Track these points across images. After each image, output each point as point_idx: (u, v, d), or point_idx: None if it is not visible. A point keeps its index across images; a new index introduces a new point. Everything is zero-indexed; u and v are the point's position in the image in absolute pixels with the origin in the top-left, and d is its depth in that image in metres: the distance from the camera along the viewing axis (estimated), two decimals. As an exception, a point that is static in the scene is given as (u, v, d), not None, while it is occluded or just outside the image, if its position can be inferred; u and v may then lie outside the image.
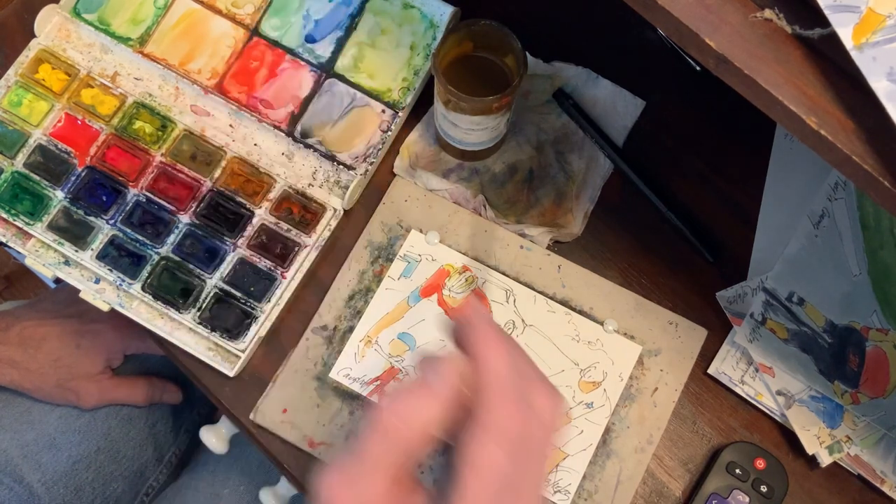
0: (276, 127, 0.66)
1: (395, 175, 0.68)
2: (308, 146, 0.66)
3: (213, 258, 0.64)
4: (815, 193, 0.64)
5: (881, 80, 0.34)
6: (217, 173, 0.65)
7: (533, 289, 0.64)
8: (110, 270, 0.63)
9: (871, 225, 0.61)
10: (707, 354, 0.64)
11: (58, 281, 0.71)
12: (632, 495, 0.60)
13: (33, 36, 0.67)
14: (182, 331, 0.63)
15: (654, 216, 0.67)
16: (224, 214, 0.65)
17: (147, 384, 0.78)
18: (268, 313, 0.63)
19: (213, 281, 0.63)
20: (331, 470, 0.38)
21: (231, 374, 0.62)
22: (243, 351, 0.62)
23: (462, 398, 0.38)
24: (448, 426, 0.38)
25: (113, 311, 0.63)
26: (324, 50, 0.67)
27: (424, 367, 0.39)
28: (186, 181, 0.65)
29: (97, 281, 0.63)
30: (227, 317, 0.63)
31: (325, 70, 0.67)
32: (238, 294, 0.63)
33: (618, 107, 0.69)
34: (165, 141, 0.66)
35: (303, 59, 0.67)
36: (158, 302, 0.63)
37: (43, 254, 0.64)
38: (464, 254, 0.65)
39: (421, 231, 0.66)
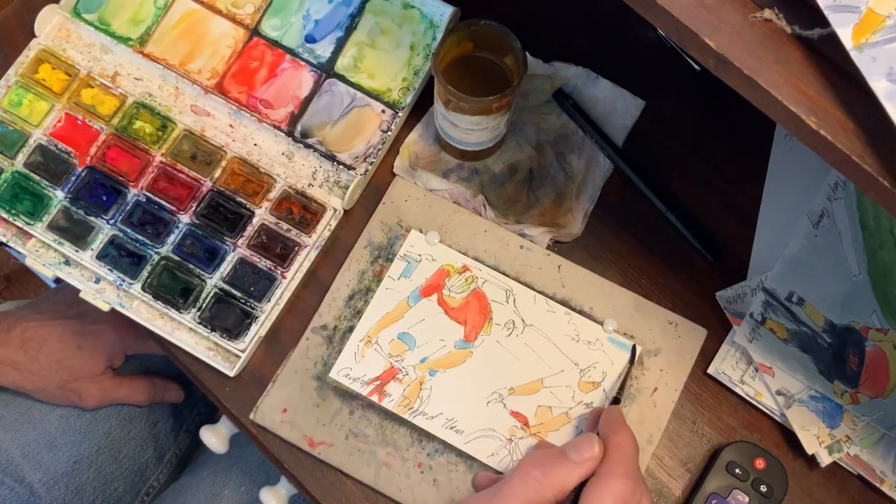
0: (276, 127, 0.66)
1: (395, 175, 0.68)
2: (308, 146, 0.66)
3: (213, 258, 0.64)
4: (815, 193, 0.64)
5: (881, 80, 0.34)
6: (217, 173, 0.65)
7: (533, 289, 0.64)
8: (110, 270, 0.63)
9: (871, 225, 0.61)
10: (707, 354, 0.64)
11: (58, 281, 0.71)
12: (632, 495, 0.60)
13: (33, 36, 0.67)
14: (182, 331, 0.63)
15: (654, 216, 0.67)
16: (224, 214, 0.65)
17: (148, 384, 0.78)
18: (268, 313, 0.63)
19: (213, 281, 0.63)
20: (473, 498, 0.53)
21: (231, 373, 0.62)
22: (243, 351, 0.62)
23: (590, 467, 0.52)
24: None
25: (113, 310, 0.63)
26: (324, 50, 0.68)
27: (567, 444, 0.54)
28: (186, 181, 0.65)
29: (97, 281, 0.63)
30: (227, 317, 0.63)
31: (325, 70, 0.67)
32: (238, 294, 0.63)
33: (618, 107, 0.69)
34: (165, 141, 0.66)
35: (303, 59, 0.67)
36: (158, 302, 0.63)
37: (43, 254, 0.64)
38: (464, 254, 0.65)
39: (421, 231, 0.66)
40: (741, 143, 0.69)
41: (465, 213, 0.66)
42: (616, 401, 0.60)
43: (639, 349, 0.63)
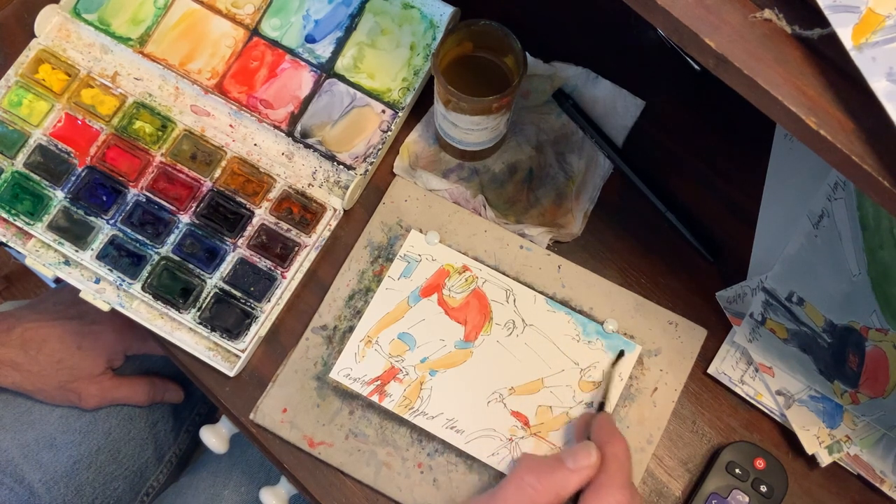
0: (276, 127, 0.66)
1: (395, 175, 0.68)
2: (308, 146, 0.66)
3: (213, 258, 0.64)
4: (815, 193, 0.64)
5: (881, 80, 0.34)
6: (217, 173, 0.65)
7: (533, 289, 0.64)
8: (110, 270, 0.63)
9: (871, 225, 0.61)
10: (707, 354, 0.64)
11: (58, 281, 0.71)
12: (632, 495, 0.60)
13: (33, 36, 0.67)
14: (182, 331, 0.63)
15: (654, 216, 0.67)
16: (224, 214, 0.65)
17: (148, 384, 0.78)
18: (268, 313, 0.63)
19: (213, 281, 0.63)
20: (469, 502, 0.53)
21: (231, 373, 0.62)
22: (243, 351, 0.62)
23: (587, 475, 0.52)
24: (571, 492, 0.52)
25: (113, 311, 0.63)
26: (324, 50, 0.68)
27: (563, 452, 0.53)
28: (186, 181, 0.65)
29: (97, 281, 0.63)
30: (227, 317, 0.63)
31: (325, 70, 0.67)
32: (238, 294, 0.63)
33: (618, 107, 0.69)
34: (165, 141, 0.66)
35: (303, 59, 0.67)
36: (158, 302, 0.63)
37: (43, 254, 0.64)
38: (464, 254, 0.65)
39: (421, 231, 0.66)
40: (741, 143, 0.69)
41: (465, 213, 0.66)
42: (601, 406, 0.60)
43: (634, 351, 0.63)
